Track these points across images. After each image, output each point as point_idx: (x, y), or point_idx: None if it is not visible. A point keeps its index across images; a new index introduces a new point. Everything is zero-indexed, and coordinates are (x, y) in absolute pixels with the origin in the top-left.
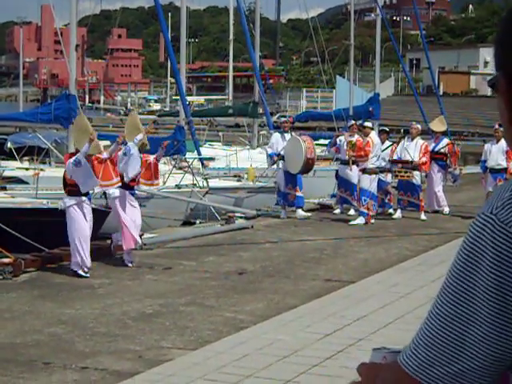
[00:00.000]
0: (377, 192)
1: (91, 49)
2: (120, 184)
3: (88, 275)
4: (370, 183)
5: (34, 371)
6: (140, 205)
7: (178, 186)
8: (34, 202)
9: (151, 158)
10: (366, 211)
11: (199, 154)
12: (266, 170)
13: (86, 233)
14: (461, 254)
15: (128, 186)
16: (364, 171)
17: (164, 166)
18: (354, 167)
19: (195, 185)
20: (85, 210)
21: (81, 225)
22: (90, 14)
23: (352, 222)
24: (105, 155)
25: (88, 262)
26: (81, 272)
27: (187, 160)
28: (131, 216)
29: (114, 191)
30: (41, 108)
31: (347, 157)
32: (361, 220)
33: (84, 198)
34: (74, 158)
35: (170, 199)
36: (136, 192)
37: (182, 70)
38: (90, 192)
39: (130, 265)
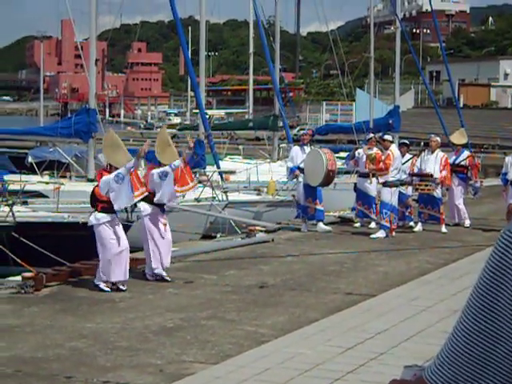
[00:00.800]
0: (397, 205)
1: (111, 63)
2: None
3: (109, 290)
4: (390, 196)
5: None
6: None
7: (197, 200)
8: (55, 216)
9: (177, 161)
10: (387, 224)
11: (218, 167)
12: (287, 184)
13: (117, 250)
14: (486, 271)
15: (161, 205)
16: (384, 184)
17: None
18: (374, 180)
19: (214, 198)
20: (116, 227)
21: (112, 242)
22: (110, 28)
23: (373, 236)
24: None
25: (116, 277)
26: (103, 286)
27: (207, 174)
28: (161, 234)
29: (146, 208)
30: (61, 122)
31: (367, 170)
32: (381, 233)
33: (115, 215)
34: (115, 173)
35: (189, 213)
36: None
37: (202, 84)
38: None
39: (150, 278)
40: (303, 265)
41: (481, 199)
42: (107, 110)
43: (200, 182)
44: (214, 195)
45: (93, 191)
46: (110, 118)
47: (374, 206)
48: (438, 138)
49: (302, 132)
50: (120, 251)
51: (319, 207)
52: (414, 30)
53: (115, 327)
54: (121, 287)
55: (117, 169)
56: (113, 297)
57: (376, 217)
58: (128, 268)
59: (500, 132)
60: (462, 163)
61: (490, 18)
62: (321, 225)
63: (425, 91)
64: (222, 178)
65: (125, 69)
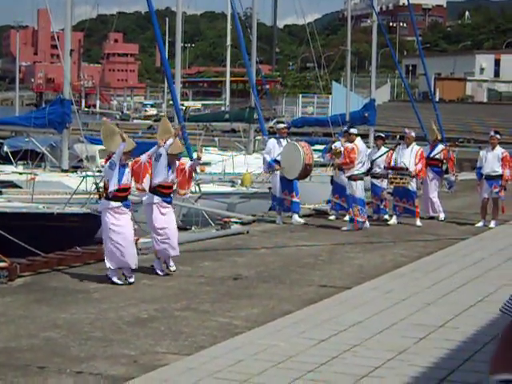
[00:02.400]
0: (373, 198)
1: (88, 53)
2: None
3: (122, 283)
4: (355, 189)
5: (28, 375)
6: (132, 210)
7: None
8: (29, 207)
9: (187, 165)
10: (353, 217)
11: (191, 159)
12: (263, 176)
13: (121, 238)
14: None
15: (160, 193)
16: (349, 178)
17: None
18: (340, 173)
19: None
20: (123, 215)
21: (115, 229)
22: (86, 18)
23: (344, 228)
24: (143, 157)
25: (133, 263)
26: (116, 280)
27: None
28: (163, 223)
29: (148, 198)
30: (35, 112)
31: (333, 164)
32: (353, 226)
33: (120, 204)
34: (109, 160)
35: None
36: (171, 199)
37: (177, 76)
38: (129, 198)
39: (160, 273)
40: (278, 257)
41: (455, 193)
42: (83, 101)
43: None
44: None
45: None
46: (86, 109)
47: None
48: (413, 133)
49: (280, 125)
50: (124, 239)
51: (295, 200)
52: (391, 24)
53: (89, 318)
54: (129, 280)
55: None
56: (87, 287)
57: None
58: (135, 257)
59: (475, 126)
60: (437, 157)
61: (467, 13)
62: (296, 217)
63: (401, 85)
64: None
65: (101, 59)
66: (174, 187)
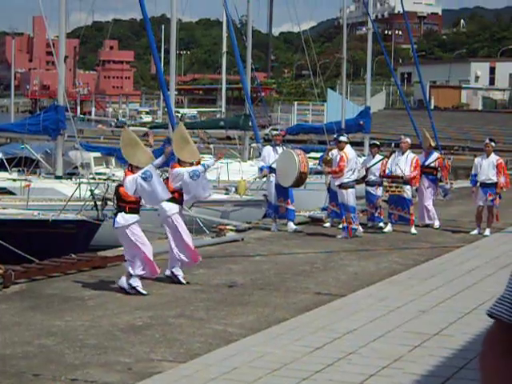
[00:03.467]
0: (367, 206)
1: (83, 60)
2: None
3: (145, 292)
4: (346, 197)
5: (23, 383)
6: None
7: None
8: (24, 214)
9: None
10: (346, 225)
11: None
12: (254, 181)
13: (150, 248)
14: None
15: (180, 201)
16: (340, 186)
17: None
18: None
19: None
20: (139, 228)
21: (145, 240)
22: (82, 25)
23: (339, 236)
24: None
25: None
26: (141, 289)
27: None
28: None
29: (171, 207)
30: (29, 119)
31: (324, 172)
32: (345, 233)
33: (138, 216)
34: (142, 171)
35: (154, 211)
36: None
37: (172, 83)
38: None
39: (183, 281)
40: (273, 264)
41: (451, 201)
42: (78, 108)
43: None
44: None
45: (118, 191)
46: (82, 116)
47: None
48: (409, 140)
49: (274, 132)
50: (149, 249)
51: (290, 207)
52: (386, 32)
53: (84, 325)
54: (142, 291)
55: (138, 168)
56: (82, 295)
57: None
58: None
59: (470, 134)
60: (432, 165)
61: (462, 21)
62: (291, 224)
63: (396, 93)
64: None
65: (96, 66)
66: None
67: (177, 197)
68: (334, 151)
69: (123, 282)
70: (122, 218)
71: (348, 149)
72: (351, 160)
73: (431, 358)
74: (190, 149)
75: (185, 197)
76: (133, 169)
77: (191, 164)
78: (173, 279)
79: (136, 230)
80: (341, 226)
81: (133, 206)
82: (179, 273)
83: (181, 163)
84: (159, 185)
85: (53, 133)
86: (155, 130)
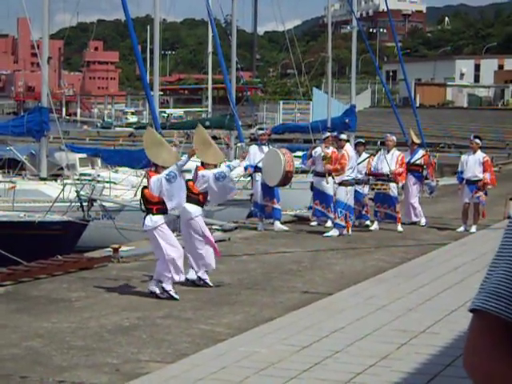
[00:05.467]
0: (354, 204)
1: (68, 61)
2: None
3: (178, 297)
4: (346, 195)
5: None
6: (109, 217)
7: None
8: (10, 215)
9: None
10: (341, 223)
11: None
12: (238, 180)
13: (181, 248)
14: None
15: (203, 204)
16: (340, 183)
17: (135, 178)
18: (330, 179)
19: None
20: (167, 228)
21: (175, 242)
22: (66, 26)
23: (326, 234)
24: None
25: (181, 278)
26: (173, 294)
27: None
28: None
29: (196, 209)
30: (13, 121)
31: (324, 170)
32: (334, 232)
33: (167, 216)
34: (166, 172)
35: (139, 212)
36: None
37: (156, 83)
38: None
39: (211, 284)
40: (260, 264)
41: (437, 198)
42: (63, 109)
43: None
44: None
45: (143, 193)
46: (67, 117)
47: (331, 204)
48: (394, 137)
49: (259, 132)
50: (178, 250)
51: (276, 206)
52: (371, 30)
53: (71, 327)
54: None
55: (163, 168)
56: (69, 296)
57: (333, 215)
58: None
59: (456, 131)
60: (418, 162)
61: (446, 18)
62: (278, 224)
63: (381, 91)
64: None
65: (81, 67)
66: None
67: (201, 199)
68: (318, 149)
69: (153, 286)
70: (150, 220)
71: (348, 147)
72: (352, 158)
73: (418, 356)
74: (213, 151)
75: (210, 198)
76: (157, 169)
77: (215, 166)
78: (197, 283)
79: (165, 232)
80: (329, 224)
81: (160, 207)
82: (205, 276)
83: (205, 165)
84: (182, 187)
85: (37, 134)
86: (140, 131)
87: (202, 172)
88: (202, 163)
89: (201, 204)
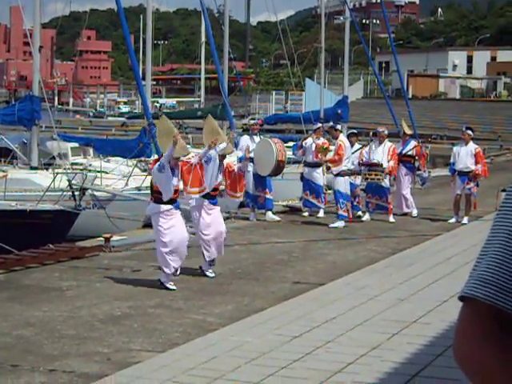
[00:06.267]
0: None
1: (60, 50)
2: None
3: (175, 288)
4: (345, 185)
5: (1, 374)
6: (100, 207)
7: (138, 188)
8: (2, 204)
9: (236, 168)
10: (345, 214)
11: (159, 155)
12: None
13: (173, 241)
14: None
15: (208, 195)
16: (338, 174)
17: (126, 168)
18: (323, 170)
19: None
20: (173, 217)
21: (166, 233)
22: (59, 15)
23: (332, 225)
24: (194, 160)
25: (172, 270)
26: (170, 285)
27: (151, 162)
28: (209, 225)
29: (191, 201)
30: (4, 109)
31: (315, 159)
32: (340, 223)
33: (171, 206)
34: (158, 163)
35: (130, 202)
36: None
37: (148, 72)
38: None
39: (210, 275)
40: (251, 254)
41: (429, 189)
42: (56, 98)
43: (145, 170)
44: None
45: (151, 181)
46: (59, 106)
47: (322, 195)
48: (386, 131)
49: (251, 122)
50: (178, 241)
51: (269, 196)
52: (364, 21)
53: (62, 315)
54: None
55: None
56: (60, 285)
57: (324, 206)
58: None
59: (448, 122)
60: (409, 153)
61: (439, 10)
62: (270, 214)
63: (374, 82)
64: None
65: (74, 57)
66: (222, 187)
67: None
68: (309, 140)
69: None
70: (152, 206)
71: (342, 137)
72: (348, 148)
73: (409, 346)
74: (221, 139)
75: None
76: None
77: (223, 157)
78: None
79: (159, 223)
80: (320, 214)
81: (156, 196)
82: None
83: None
84: (168, 179)
85: (28, 123)
86: (133, 121)
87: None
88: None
89: (206, 195)
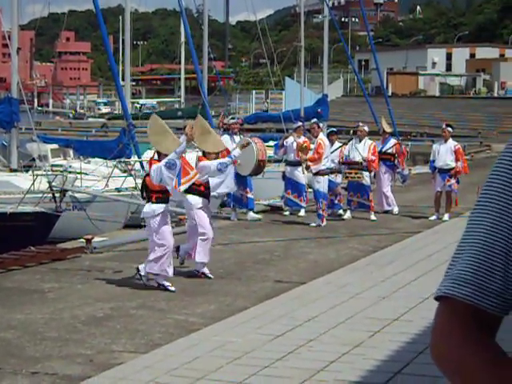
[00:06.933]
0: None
1: (40, 52)
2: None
3: (174, 289)
4: (323, 184)
5: None
6: (81, 208)
7: (118, 190)
8: None
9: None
10: (322, 213)
11: (139, 156)
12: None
13: (172, 242)
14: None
15: (206, 195)
16: (317, 173)
17: (106, 169)
18: (304, 169)
19: (136, 188)
20: (167, 218)
21: (165, 238)
22: (37, 17)
23: (313, 224)
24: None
25: (171, 272)
26: (168, 285)
27: (130, 163)
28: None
29: (197, 201)
30: None
31: (296, 158)
32: (320, 222)
33: (168, 206)
34: (165, 160)
35: (111, 203)
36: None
37: (127, 73)
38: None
39: (211, 276)
40: (233, 253)
41: (409, 187)
42: (35, 100)
43: (126, 171)
44: (135, 185)
45: (144, 181)
46: (39, 108)
47: (304, 194)
48: (366, 127)
49: (231, 121)
50: (170, 243)
51: (250, 195)
52: (343, 19)
53: (44, 318)
54: (170, 288)
55: (166, 156)
56: (42, 287)
57: (305, 205)
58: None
59: (428, 120)
60: (389, 151)
61: (418, 7)
62: (251, 213)
63: (354, 80)
64: (142, 167)
65: (53, 58)
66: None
67: (203, 190)
68: (290, 139)
69: (159, 278)
70: (149, 208)
71: (322, 136)
72: (327, 147)
73: (391, 344)
74: (213, 139)
75: (212, 189)
76: (160, 157)
77: (217, 155)
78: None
79: (158, 225)
80: (301, 213)
81: (159, 196)
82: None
83: (206, 155)
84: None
85: (7, 125)
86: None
87: (203, 163)
88: (204, 153)
89: (203, 195)
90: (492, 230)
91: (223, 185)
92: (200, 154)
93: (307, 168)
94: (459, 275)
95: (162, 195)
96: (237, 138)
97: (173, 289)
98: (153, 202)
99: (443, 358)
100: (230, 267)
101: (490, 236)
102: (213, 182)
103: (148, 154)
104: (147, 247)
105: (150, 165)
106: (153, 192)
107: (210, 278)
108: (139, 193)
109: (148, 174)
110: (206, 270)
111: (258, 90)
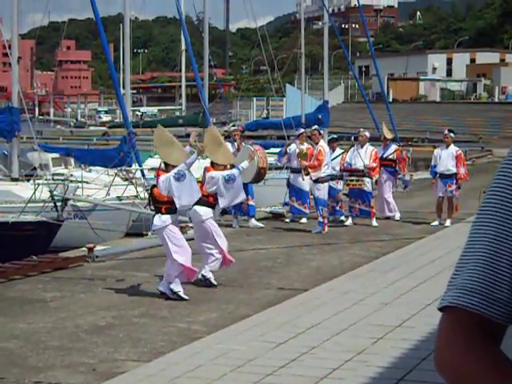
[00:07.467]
0: (328, 200)
1: (40, 61)
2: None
3: (187, 297)
4: (324, 192)
5: None
6: (82, 217)
7: (119, 198)
8: None
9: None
10: (322, 220)
11: (140, 165)
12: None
13: (189, 252)
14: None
15: (213, 206)
16: (317, 180)
17: (107, 177)
18: (306, 176)
19: (137, 196)
20: (177, 226)
21: (183, 244)
22: (38, 26)
23: (315, 231)
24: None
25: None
26: (183, 294)
27: (131, 171)
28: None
29: (207, 211)
30: None
31: (300, 166)
32: (322, 229)
33: (176, 216)
34: (174, 171)
35: (112, 211)
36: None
37: (127, 81)
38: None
39: (215, 283)
40: (235, 261)
41: (411, 192)
42: (36, 109)
43: (127, 179)
44: (137, 193)
45: (151, 193)
46: (40, 117)
47: (307, 200)
48: (367, 133)
49: (232, 129)
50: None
51: (250, 203)
52: (343, 26)
53: (47, 327)
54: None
55: (174, 167)
56: (44, 296)
57: (309, 212)
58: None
59: (429, 125)
60: (390, 157)
61: (418, 13)
62: (253, 221)
63: (354, 86)
64: (143, 175)
65: (53, 67)
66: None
67: (211, 201)
68: (293, 146)
69: (164, 286)
70: (159, 220)
71: (323, 143)
72: (327, 154)
73: (394, 350)
74: (223, 151)
75: (220, 201)
76: (168, 168)
77: (225, 167)
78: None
79: (173, 233)
80: (303, 220)
81: (169, 207)
82: (210, 275)
83: (214, 166)
84: (192, 185)
85: (7, 135)
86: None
87: (210, 173)
88: (212, 164)
89: (211, 205)
90: (497, 239)
91: (240, 196)
92: (208, 164)
93: (307, 174)
94: (465, 285)
95: (171, 206)
96: (240, 146)
97: (186, 297)
98: (162, 213)
99: (447, 365)
100: (233, 275)
101: (496, 245)
102: (228, 194)
103: (149, 162)
104: (150, 255)
105: (158, 176)
106: (162, 203)
107: (215, 285)
108: (140, 201)
109: (155, 185)
110: (211, 276)
111: (258, 97)
